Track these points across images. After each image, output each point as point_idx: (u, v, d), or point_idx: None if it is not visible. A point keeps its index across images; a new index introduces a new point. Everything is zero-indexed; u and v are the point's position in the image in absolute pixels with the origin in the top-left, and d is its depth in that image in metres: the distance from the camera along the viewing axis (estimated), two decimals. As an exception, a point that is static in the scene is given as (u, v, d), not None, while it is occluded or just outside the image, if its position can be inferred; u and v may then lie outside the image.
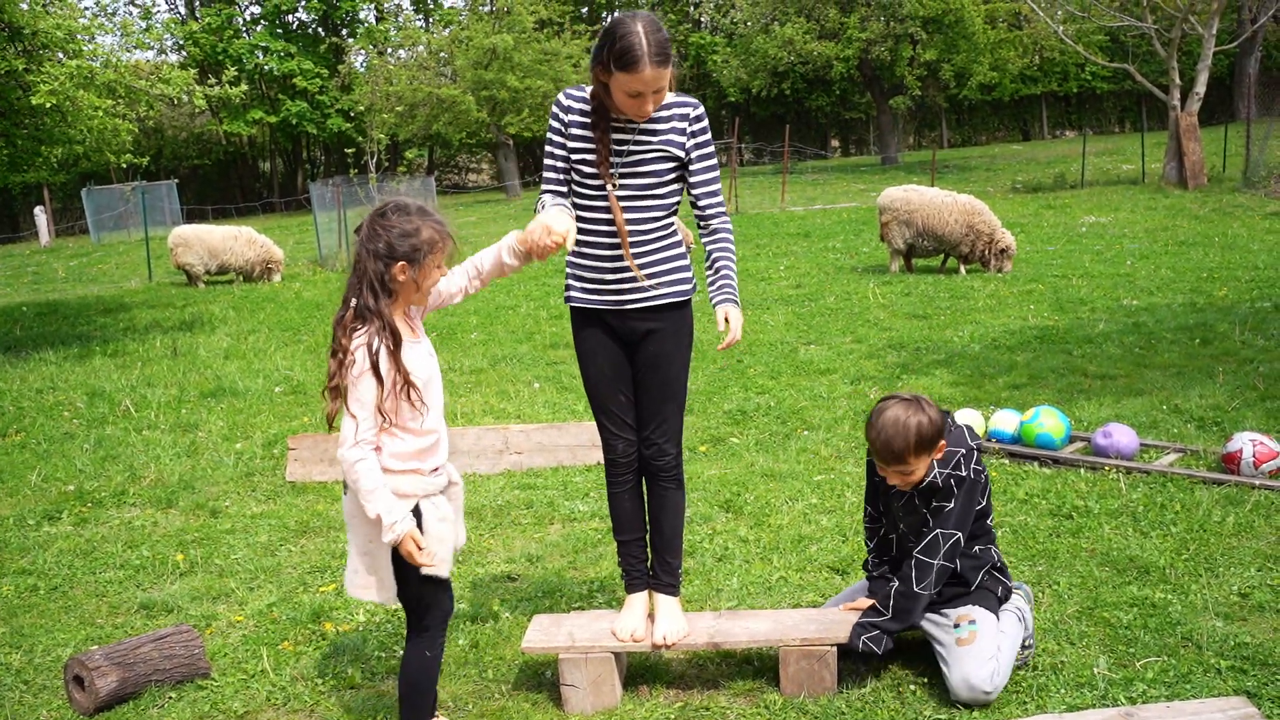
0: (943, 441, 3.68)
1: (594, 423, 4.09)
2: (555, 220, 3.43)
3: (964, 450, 3.70)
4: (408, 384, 3.13)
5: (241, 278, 18.30)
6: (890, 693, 3.68)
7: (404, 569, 3.22)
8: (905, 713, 3.54)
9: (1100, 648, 3.88)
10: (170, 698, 3.96)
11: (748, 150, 45.93)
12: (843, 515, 5.48)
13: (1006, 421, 6.43)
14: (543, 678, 3.96)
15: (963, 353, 9.15)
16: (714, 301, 3.79)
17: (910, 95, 36.61)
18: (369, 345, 3.09)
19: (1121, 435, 6.05)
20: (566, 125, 3.69)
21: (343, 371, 3.12)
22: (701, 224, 3.85)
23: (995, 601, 3.77)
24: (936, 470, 3.70)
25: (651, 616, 3.88)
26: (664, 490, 3.89)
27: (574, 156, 3.68)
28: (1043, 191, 24.56)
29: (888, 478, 3.74)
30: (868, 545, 4.12)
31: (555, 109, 3.72)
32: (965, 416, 6.59)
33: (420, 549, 3.15)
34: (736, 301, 3.76)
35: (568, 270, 3.91)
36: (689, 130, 3.68)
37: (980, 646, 3.57)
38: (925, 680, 3.73)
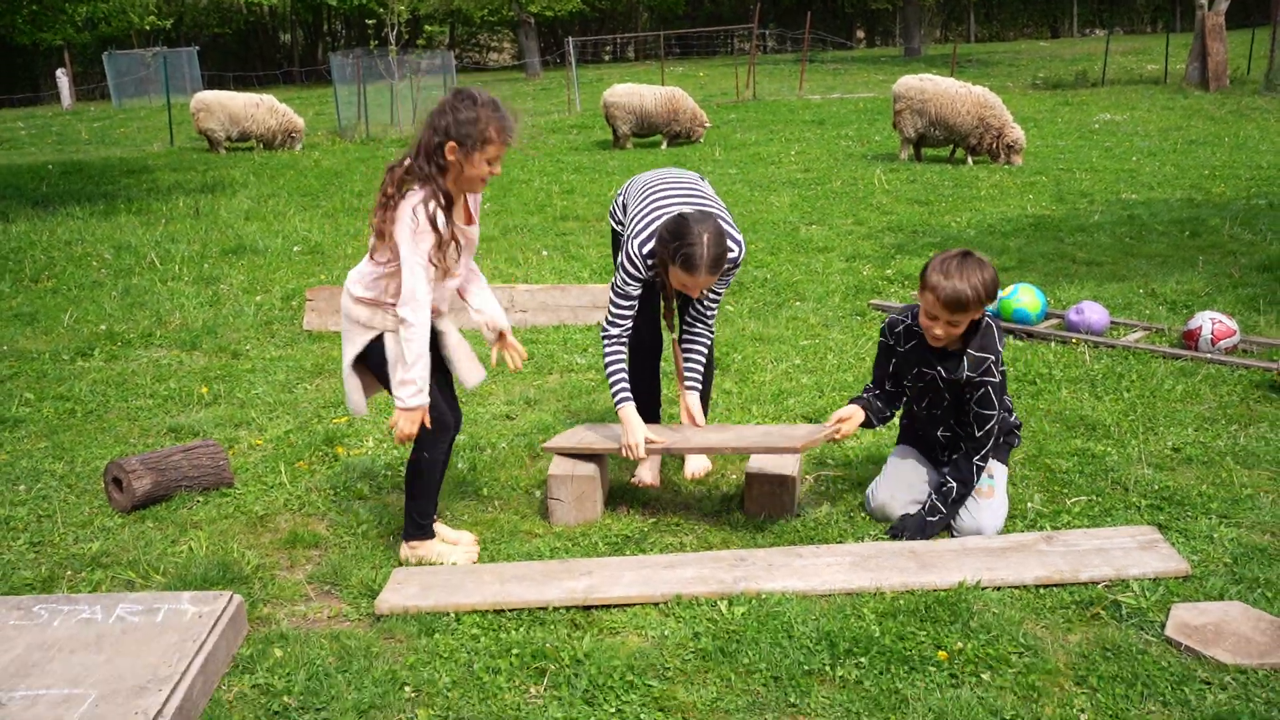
0: (989, 301, 3.79)
1: (596, 286, 4.61)
2: (631, 436, 4.13)
3: (994, 356, 3.84)
4: (456, 242, 3.54)
5: (262, 145, 18.55)
6: (843, 517, 4.09)
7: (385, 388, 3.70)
8: (853, 532, 3.96)
9: (1037, 489, 4.28)
10: (198, 500, 4.40)
11: (770, 38, 45.42)
12: (823, 375, 5.86)
13: (986, 297, 6.77)
14: (532, 496, 4.40)
15: (958, 237, 9.44)
16: (684, 386, 4.38)
17: (938, -14, 36.03)
18: (426, 205, 3.43)
19: (1093, 313, 6.40)
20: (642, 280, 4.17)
21: (386, 215, 3.48)
22: (687, 326, 4.39)
23: (1006, 452, 4.14)
24: (967, 371, 3.84)
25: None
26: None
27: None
28: (1062, 89, 24.47)
29: (932, 329, 3.78)
30: (868, 394, 4.18)
31: (631, 266, 4.11)
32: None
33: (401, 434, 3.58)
34: (699, 390, 4.40)
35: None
36: (727, 273, 4.24)
37: (996, 499, 3.96)
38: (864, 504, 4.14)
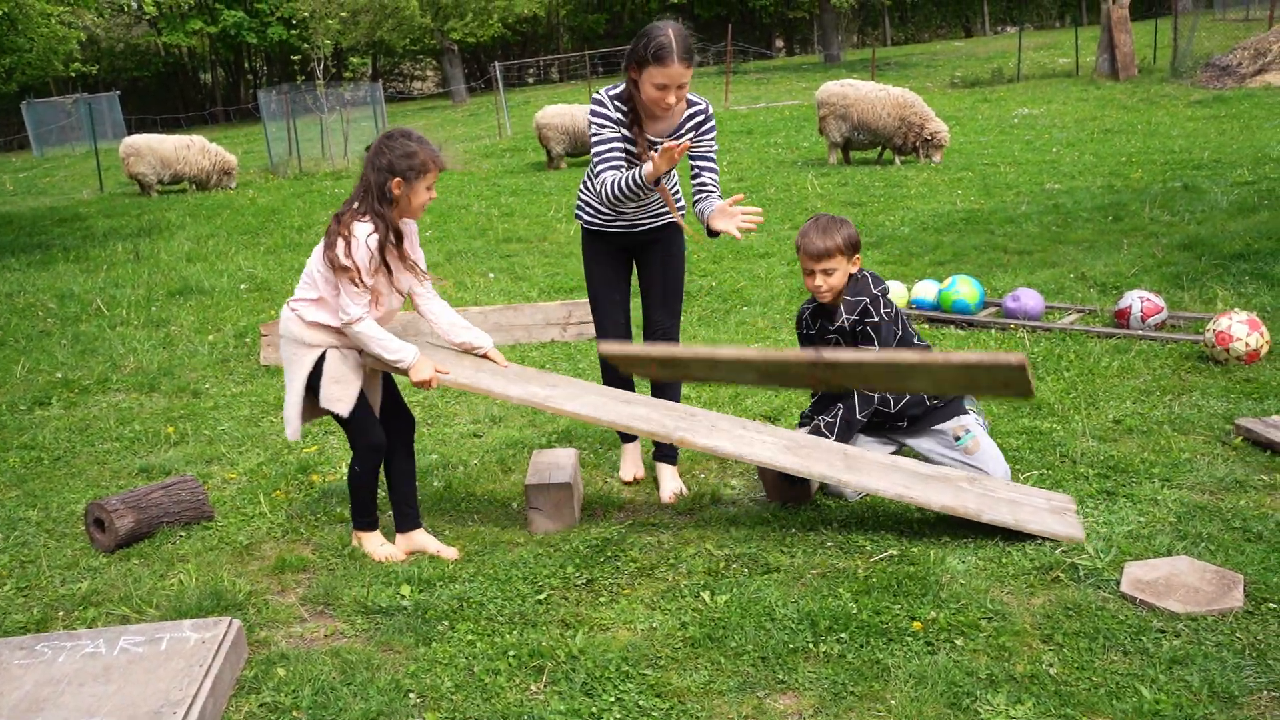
0: (858, 256, 4.26)
1: (549, 304, 4.72)
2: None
3: (868, 298, 4.24)
4: (412, 268, 3.99)
5: (195, 186, 18.47)
6: (809, 506, 4.27)
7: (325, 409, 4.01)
8: (820, 519, 4.14)
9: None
10: (181, 535, 4.48)
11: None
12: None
13: (926, 290, 7.02)
14: (509, 508, 4.54)
15: (893, 235, 9.72)
16: (708, 216, 4.28)
17: (853, -8, 36.72)
18: (366, 239, 3.80)
19: (1029, 299, 6.66)
20: (615, 122, 4.27)
21: (343, 251, 3.81)
22: (700, 189, 4.43)
23: (963, 404, 4.40)
24: (845, 316, 4.25)
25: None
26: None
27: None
28: (980, 86, 25.07)
29: (812, 283, 4.25)
30: (812, 399, 4.60)
31: (600, 107, 4.27)
32: (890, 287, 7.17)
33: (441, 373, 4.03)
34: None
35: (580, 198, 4.62)
36: (700, 123, 4.37)
37: (985, 448, 4.26)
38: (829, 494, 4.33)
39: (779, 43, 54.44)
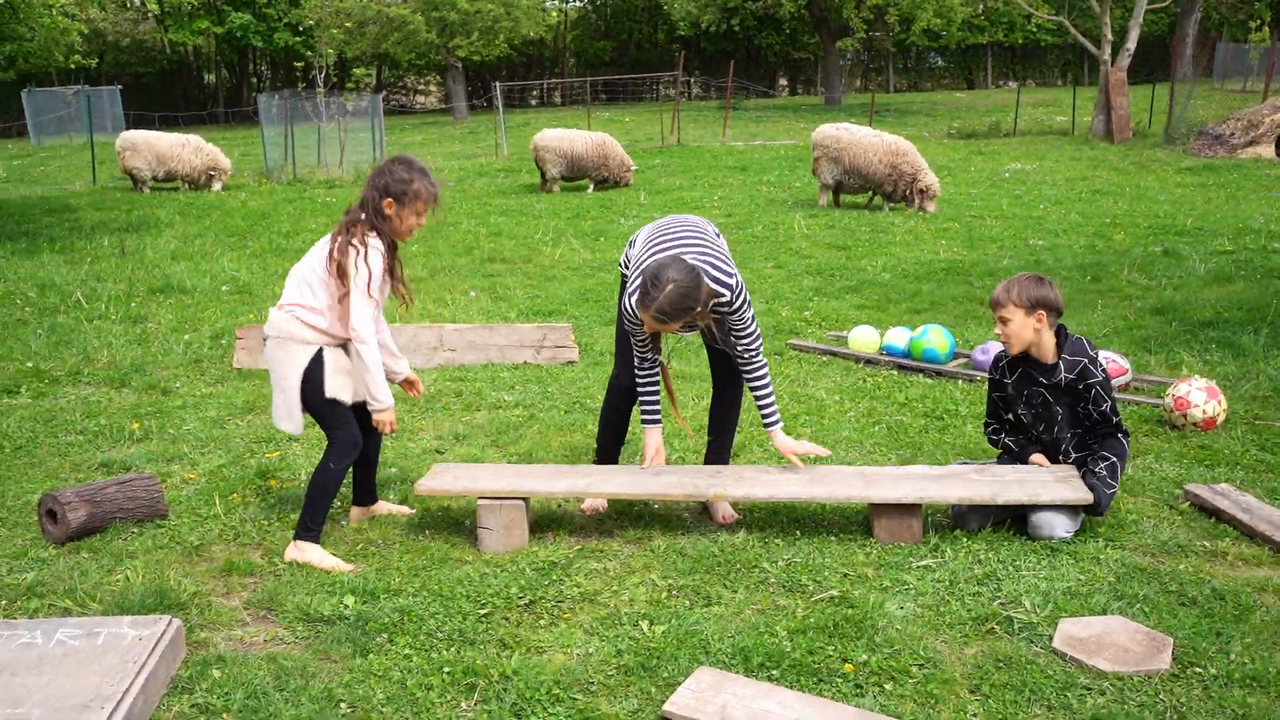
0: (1041, 311, 4.39)
1: (524, 325, 4.80)
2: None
3: (1087, 359, 4.44)
4: (400, 281, 4.29)
5: (187, 185, 18.50)
6: (758, 541, 4.31)
7: (315, 403, 4.21)
8: (767, 555, 4.18)
9: (943, 516, 4.55)
10: (133, 532, 4.50)
11: (696, 85, 46.20)
12: (744, 411, 6.08)
13: (898, 337, 7.08)
14: (462, 526, 4.56)
15: (873, 280, 9.80)
16: (775, 439, 4.62)
17: (856, 37, 37.04)
18: (375, 245, 4.10)
19: (997, 352, 6.72)
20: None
21: (349, 257, 4.07)
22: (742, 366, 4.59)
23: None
24: (1064, 375, 4.44)
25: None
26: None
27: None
28: (976, 138, 25.26)
29: (996, 331, 4.56)
30: (992, 443, 4.85)
31: (629, 317, 4.39)
32: (862, 332, 7.25)
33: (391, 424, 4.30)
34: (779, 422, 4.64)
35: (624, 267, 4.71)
36: (725, 317, 4.43)
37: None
38: (783, 533, 4.37)
39: (782, 82, 54.81)
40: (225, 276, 10.56)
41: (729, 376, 4.80)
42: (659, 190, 17.35)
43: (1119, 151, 21.25)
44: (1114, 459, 4.40)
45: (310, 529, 4.22)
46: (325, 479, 4.23)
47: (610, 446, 4.91)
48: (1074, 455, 4.55)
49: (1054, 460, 4.59)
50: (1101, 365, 4.49)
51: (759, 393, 4.56)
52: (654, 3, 47.19)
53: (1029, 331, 4.44)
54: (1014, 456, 4.70)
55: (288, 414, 4.24)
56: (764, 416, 4.59)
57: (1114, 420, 4.48)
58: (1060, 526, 4.21)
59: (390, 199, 4.14)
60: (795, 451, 4.58)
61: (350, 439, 4.25)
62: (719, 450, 4.90)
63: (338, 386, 4.21)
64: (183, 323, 8.63)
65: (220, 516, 4.67)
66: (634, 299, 4.22)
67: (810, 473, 4.53)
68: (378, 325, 4.28)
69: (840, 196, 15.18)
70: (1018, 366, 4.62)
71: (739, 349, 4.50)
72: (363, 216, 4.15)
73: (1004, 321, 4.47)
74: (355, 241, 4.09)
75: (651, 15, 48.27)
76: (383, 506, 4.68)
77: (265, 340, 4.29)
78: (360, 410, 4.31)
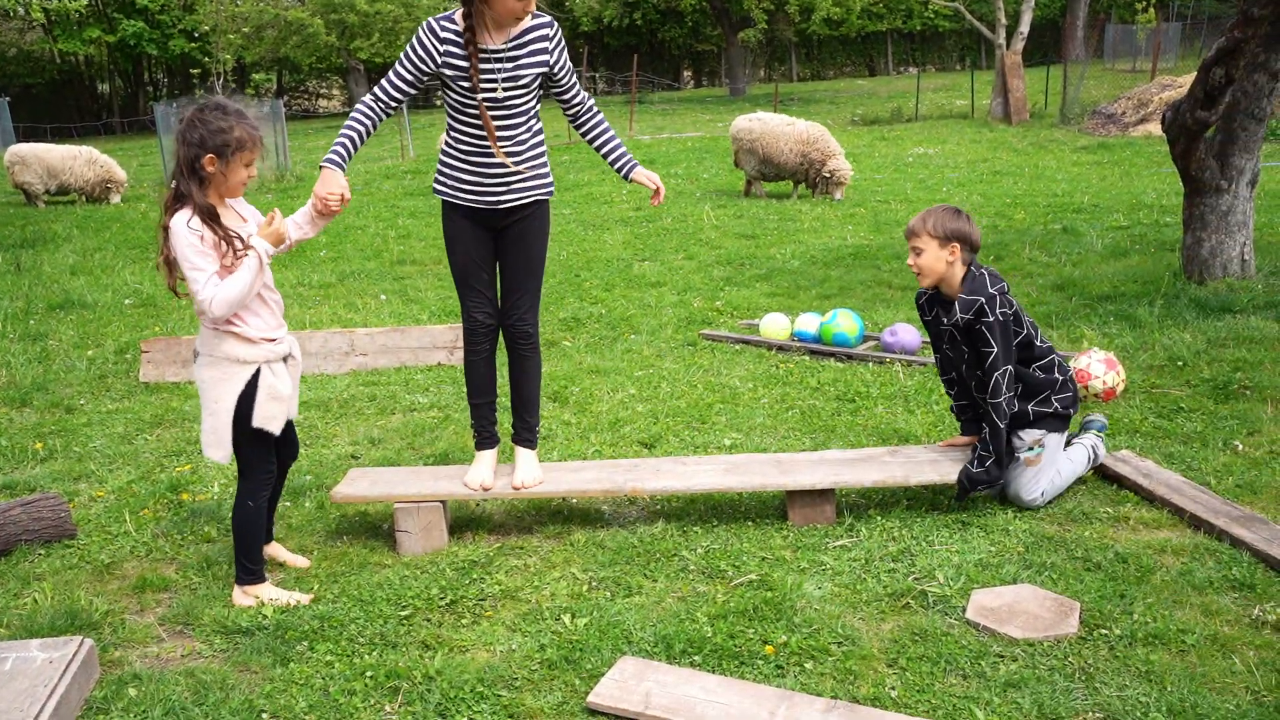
0: (955, 244, 4.26)
1: (436, 327, 4.65)
2: (321, 186, 3.92)
3: (984, 297, 4.24)
4: (229, 240, 3.63)
5: (84, 198, 18.04)
6: (676, 530, 4.35)
7: (237, 431, 3.77)
8: (686, 544, 4.22)
9: (857, 494, 4.63)
10: (40, 554, 4.39)
11: (600, 80, 46.16)
12: (656, 403, 6.14)
13: (808, 323, 7.18)
14: (380, 529, 4.53)
15: (783, 268, 9.91)
16: (627, 173, 4.51)
17: (758, 28, 37.36)
18: (187, 222, 3.57)
19: (906, 334, 6.85)
20: (441, 53, 4.13)
21: (168, 246, 3.62)
22: (580, 118, 4.47)
23: (1059, 422, 4.41)
24: (960, 313, 4.26)
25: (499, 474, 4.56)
26: (524, 356, 4.50)
27: (450, 74, 4.13)
28: (879, 124, 25.65)
29: (909, 262, 4.39)
30: (948, 392, 4.74)
31: (426, 36, 4.14)
32: (773, 319, 7.33)
33: (271, 223, 3.71)
34: (638, 164, 4.55)
35: (439, 166, 4.38)
36: (550, 48, 4.23)
37: (1040, 469, 4.33)
38: (701, 521, 4.41)
39: (687, 74, 55.06)
40: (128, 290, 10.33)
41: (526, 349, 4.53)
42: (567, 186, 17.32)
43: (1017, 133, 21.73)
44: (991, 419, 4.26)
45: (251, 569, 3.92)
46: (245, 518, 3.86)
47: (481, 402, 4.54)
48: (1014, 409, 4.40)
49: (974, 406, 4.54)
50: (1006, 303, 4.26)
51: (609, 143, 4.50)
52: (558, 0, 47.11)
53: (941, 264, 4.31)
54: (962, 421, 4.68)
55: (216, 441, 3.75)
56: (624, 164, 4.52)
57: (993, 365, 4.22)
58: (1025, 492, 4.31)
59: (211, 154, 3.59)
60: (650, 176, 4.51)
61: (268, 471, 3.91)
62: (531, 427, 4.59)
63: (267, 416, 3.78)
64: (85, 338, 8.43)
65: (131, 533, 4.58)
66: None
67: (726, 462, 4.58)
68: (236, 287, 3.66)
69: (761, 185, 15.16)
70: (934, 304, 4.49)
71: (578, 94, 4.43)
72: (173, 185, 3.63)
73: (916, 252, 4.35)
74: (164, 230, 3.62)
75: (554, 9, 48.11)
76: (279, 551, 4.25)
77: (195, 356, 3.84)
78: (279, 437, 3.96)
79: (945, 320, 4.40)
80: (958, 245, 4.28)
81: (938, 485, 4.34)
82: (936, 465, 4.41)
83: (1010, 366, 4.27)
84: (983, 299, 4.23)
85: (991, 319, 4.21)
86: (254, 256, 3.63)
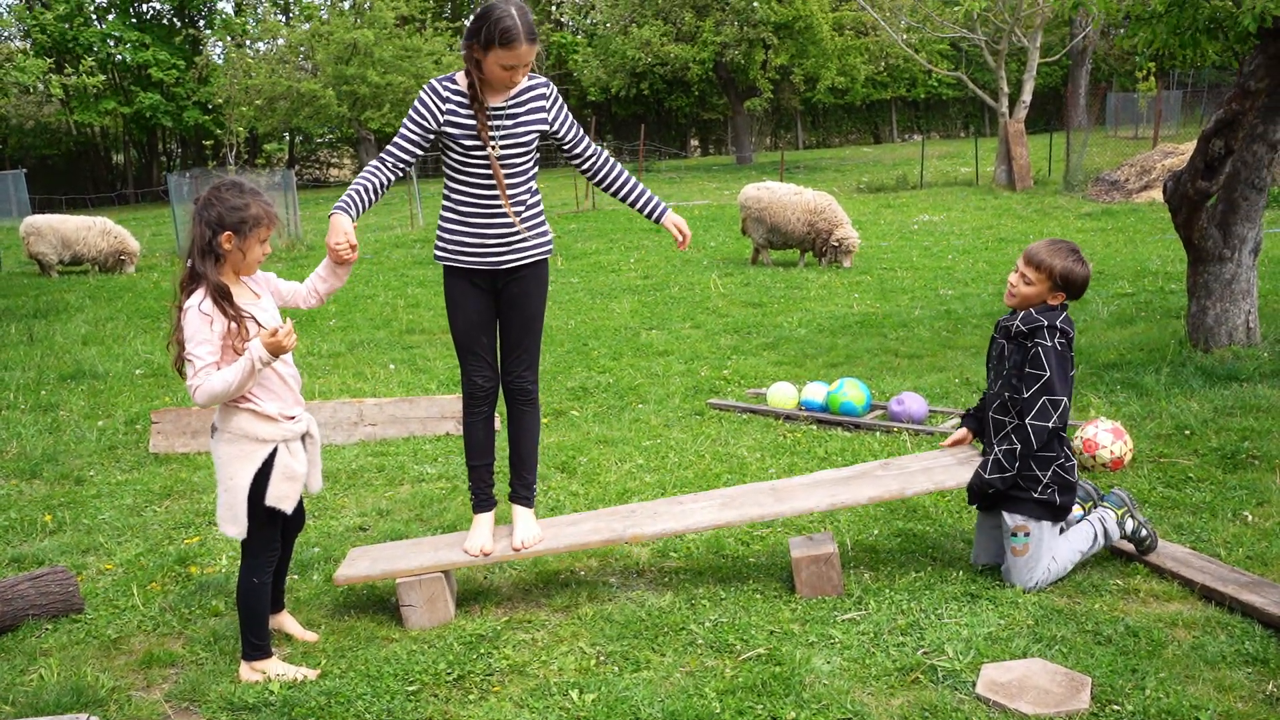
0: (1063, 294, 4.24)
1: (444, 397, 4.68)
2: (330, 235, 3.96)
3: (1047, 324, 4.21)
4: (240, 320, 3.67)
5: (97, 268, 18.21)
6: (684, 602, 4.34)
7: (248, 508, 3.78)
8: (694, 616, 4.20)
9: (866, 568, 4.61)
10: (47, 629, 4.39)
11: (608, 148, 46.62)
12: (664, 473, 6.14)
13: (815, 392, 7.19)
14: (387, 603, 4.53)
15: (789, 336, 9.95)
16: (657, 217, 4.57)
17: (764, 97, 37.83)
18: (199, 305, 3.63)
19: (913, 403, 6.87)
20: (443, 111, 4.21)
21: (180, 327, 3.68)
22: (591, 168, 4.51)
23: (1051, 513, 4.29)
24: (1019, 324, 4.24)
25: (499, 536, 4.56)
26: (523, 412, 4.54)
27: (454, 132, 4.21)
28: (884, 192, 25.85)
29: (1010, 278, 4.32)
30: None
31: (429, 96, 4.22)
32: (780, 388, 7.35)
33: (275, 334, 3.62)
34: (668, 208, 4.60)
35: (439, 232, 4.42)
36: (548, 106, 4.34)
37: (1030, 558, 4.26)
38: (709, 593, 4.40)
39: (694, 142, 55.65)
40: (138, 360, 10.40)
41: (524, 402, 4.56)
42: (575, 255, 17.46)
43: (1021, 199, 21.88)
44: (1020, 446, 4.21)
45: (257, 645, 3.91)
46: (250, 594, 3.87)
47: (479, 464, 4.57)
48: (993, 425, 4.37)
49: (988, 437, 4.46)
50: (1064, 343, 4.19)
51: (633, 190, 4.52)
52: (564, 70, 47.75)
53: (1036, 299, 4.27)
54: (963, 419, 4.69)
55: (232, 518, 3.76)
56: (653, 209, 4.56)
57: (1036, 393, 4.17)
58: (1018, 580, 4.27)
59: (228, 232, 3.67)
60: (679, 224, 4.54)
61: (271, 552, 3.92)
62: (529, 485, 4.62)
63: (280, 495, 3.79)
64: (95, 409, 8.48)
65: (139, 607, 4.57)
66: (498, 36, 3.99)
67: (722, 495, 4.63)
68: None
69: (768, 253, 15.25)
70: (1000, 328, 4.45)
71: (588, 148, 4.47)
72: (189, 264, 3.70)
73: (1026, 280, 4.26)
74: (177, 310, 3.70)
75: (562, 81, 48.77)
76: (289, 623, 4.26)
77: (213, 431, 3.84)
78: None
79: (998, 334, 4.39)
80: (1064, 294, 4.27)
81: (933, 491, 4.41)
82: (930, 474, 4.47)
83: (1066, 400, 4.20)
84: (1045, 323, 4.21)
85: (1049, 344, 4.18)
86: (245, 359, 3.63)
